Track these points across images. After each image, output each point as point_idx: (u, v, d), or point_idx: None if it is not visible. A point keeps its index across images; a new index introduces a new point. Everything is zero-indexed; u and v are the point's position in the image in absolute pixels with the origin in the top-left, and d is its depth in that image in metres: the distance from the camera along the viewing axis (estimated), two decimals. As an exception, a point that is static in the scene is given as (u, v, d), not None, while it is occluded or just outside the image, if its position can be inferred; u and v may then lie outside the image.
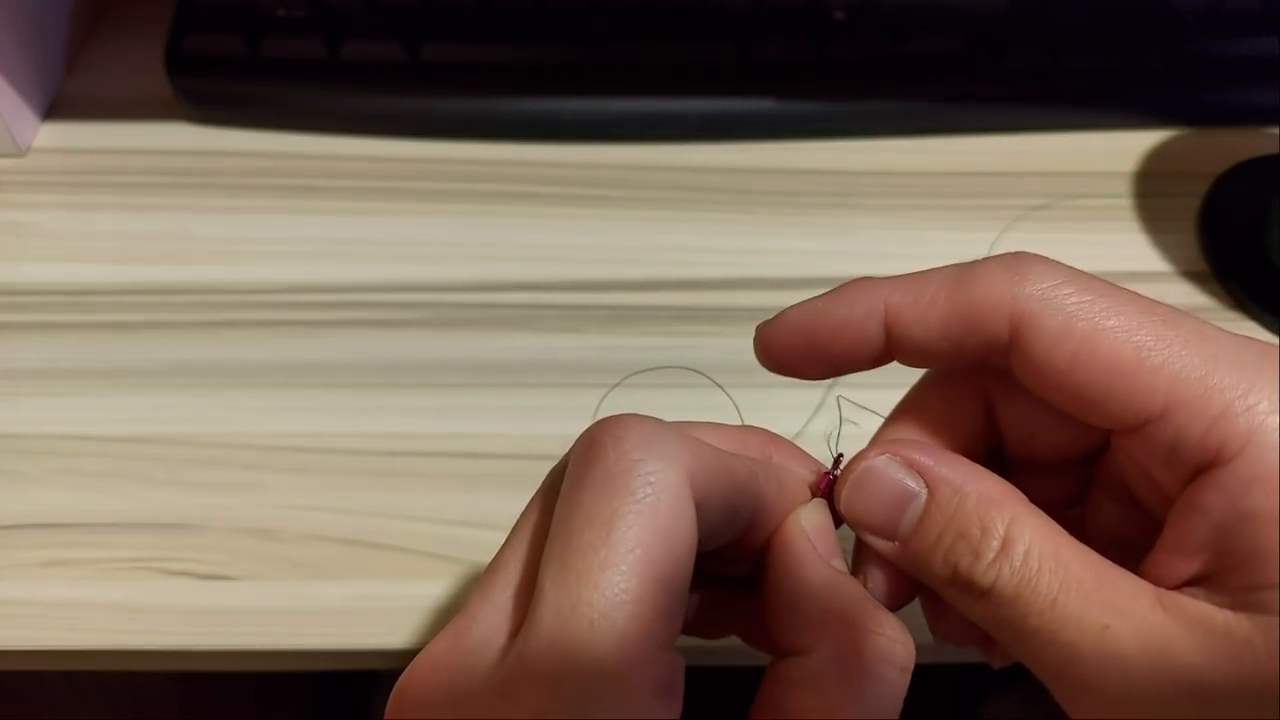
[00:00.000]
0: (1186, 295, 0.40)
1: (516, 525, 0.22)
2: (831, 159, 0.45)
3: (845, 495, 0.23)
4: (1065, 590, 0.20)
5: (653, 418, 0.21)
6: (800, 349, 0.24)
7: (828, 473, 0.24)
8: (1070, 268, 0.21)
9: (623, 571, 0.18)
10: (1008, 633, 0.21)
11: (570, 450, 0.21)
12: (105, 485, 0.36)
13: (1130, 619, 0.20)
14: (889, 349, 0.23)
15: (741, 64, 0.45)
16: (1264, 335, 0.39)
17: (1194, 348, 0.20)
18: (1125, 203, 0.43)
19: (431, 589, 0.33)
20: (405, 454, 0.36)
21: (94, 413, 0.37)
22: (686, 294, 0.41)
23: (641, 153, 0.45)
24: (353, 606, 0.33)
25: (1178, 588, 0.21)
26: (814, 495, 0.24)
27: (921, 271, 0.23)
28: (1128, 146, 0.45)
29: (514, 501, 0.35)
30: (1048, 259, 0.22)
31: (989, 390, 0.24)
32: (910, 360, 0.23)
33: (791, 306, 0.24)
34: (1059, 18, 0.45)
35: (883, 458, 0.23)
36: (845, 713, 0.20)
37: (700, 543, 0.20)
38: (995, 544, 0.21)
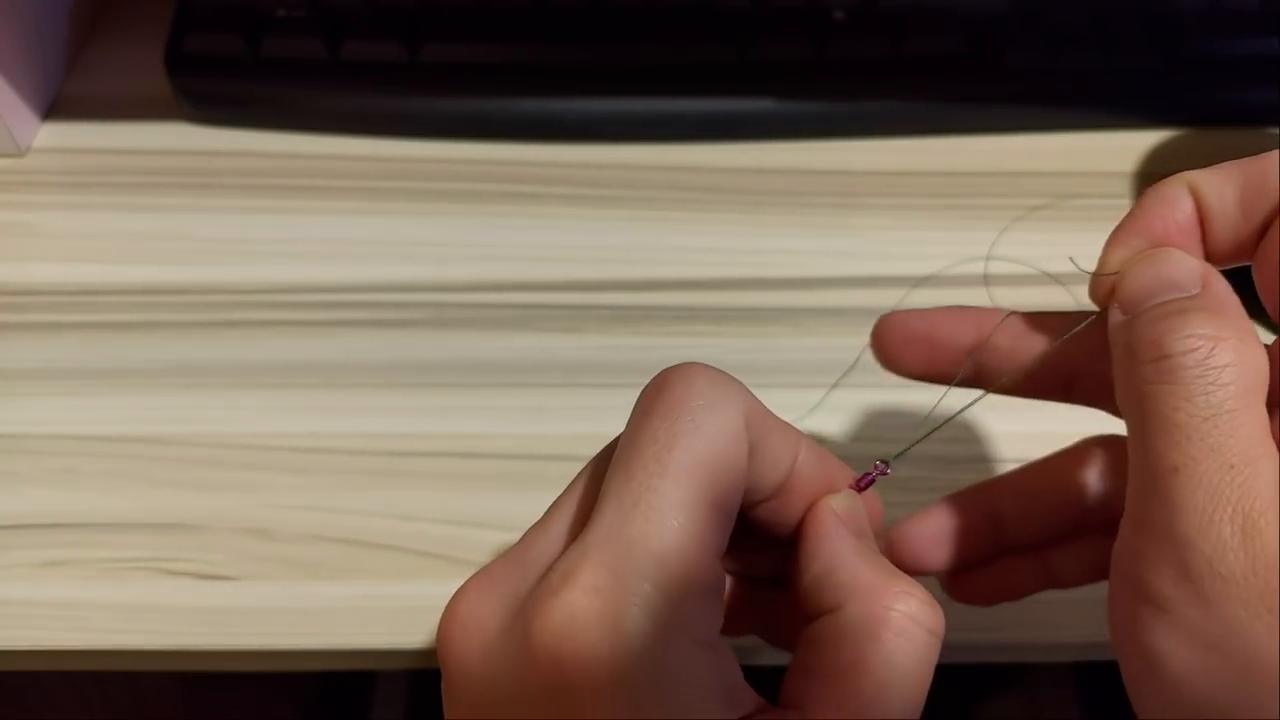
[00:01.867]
0: (1186, 295, 0.40)
1: (570, 486, 0.23)
2: (831, 159, 0.45)
3: (1135, 264, 0.24)
4: (1214, 426, 0.20)
5: (717, 368, 0.23)
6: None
7: (872, 473, 0.25)
8: None
9: (681, 483, 0.20)
10: (1142, 407, 0.21)
11: (641, 394, 0.23)
12: (105, 485, 0.36)
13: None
14: (1199, 219, 0.24)
15: (741, 64, 0.45)
16: (1263, 336, 0.39)
17: None
18: (1125, 203, 0.43)
19: (431, 589, 0.33)
20: (405, 454, 0.36)
21: (94, 413, 0.37)
22: (686, 294, 0.41)
23: (641, 153, 0.45)
24: (353, 606, 0.33)
25: None
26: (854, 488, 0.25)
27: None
28: (1128, 146, 0.45)
29: (514, 501, 0.35)
30: None
31: None
32: (1214, 230, 0.24)
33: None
34: (1059, 18, 0.45)
35: (1179, 252, 0.24)
36: (873, 665, 0.21)
37: (748, 490, 0.22)
38: (1210, 345, 0.21)
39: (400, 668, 0.33)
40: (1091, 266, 0.24)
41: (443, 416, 0.37)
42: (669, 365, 0.23)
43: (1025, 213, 0.43)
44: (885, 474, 0.25)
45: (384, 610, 0.33)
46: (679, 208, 0.43)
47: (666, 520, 0.20)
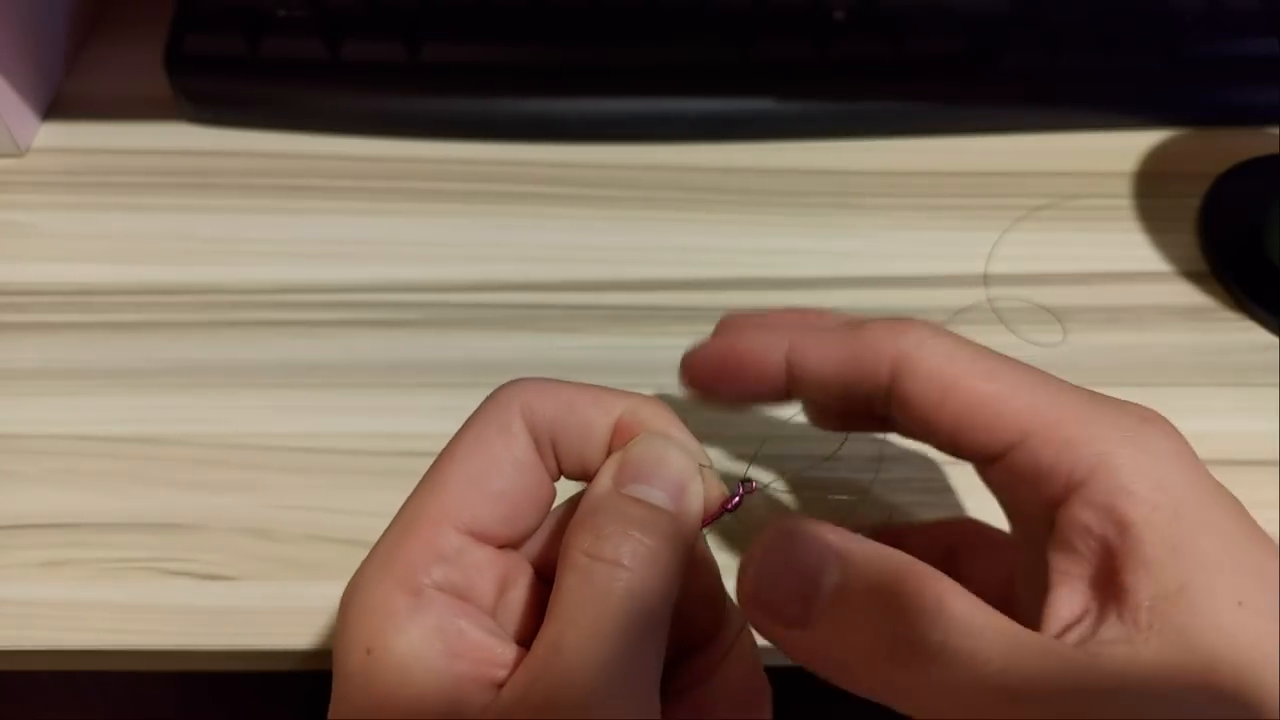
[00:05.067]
0: (1186, 295, 0.40)
1: None
2: (831, 159, 0.45)
3: (753, 574, 0.22)
4: (1013, 654, 0.20)
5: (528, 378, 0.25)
6: (714, 369, 0.27)
7: (739, 493, 0.24)
8: (949, 332, 0.24)
9: (440, 467, 0.24)
10: (956, 699, 0.20)
11: None
12: (105, 485, 0.36)
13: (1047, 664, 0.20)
14: (789, 385, 0.26)
15: (741, 64, 0.45)
16: (1264, 335, 0.39)
17: (1047, 388, 0.23)
18: (1125, 203, 0.43)
19: (431, 589, 0.33)
20: (405, 454, 0.36)
21: (94, 413, 0.37)
22: (686, 294, 0.41)
23: (641, 153, 0.45)
24: (353, 606, 0.33)
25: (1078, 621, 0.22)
26: (722, 507, 0.24)
27: (822, 319, 0.26)
28: (1128, 146, 0.45)
29: (514, 501, 0.35)
30: (933, 325, 0.25)
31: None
32: (806, 393, 0.26)
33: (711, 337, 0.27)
34: (1059, 18, 0.45)
35: (789, 529, 0.22)
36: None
37: (581, 465, 0.24)
38: (936, 605, 0.20)
39: (400, 668, 0.33)
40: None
41: (443, 416, 0.37)
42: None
43: (1026, 213, 0.43)
44: (751, 493, 0.24)
45: (384, 610, 0.33)
46: (679, 208, 0.43)
47: (418, 499, 0.24)
